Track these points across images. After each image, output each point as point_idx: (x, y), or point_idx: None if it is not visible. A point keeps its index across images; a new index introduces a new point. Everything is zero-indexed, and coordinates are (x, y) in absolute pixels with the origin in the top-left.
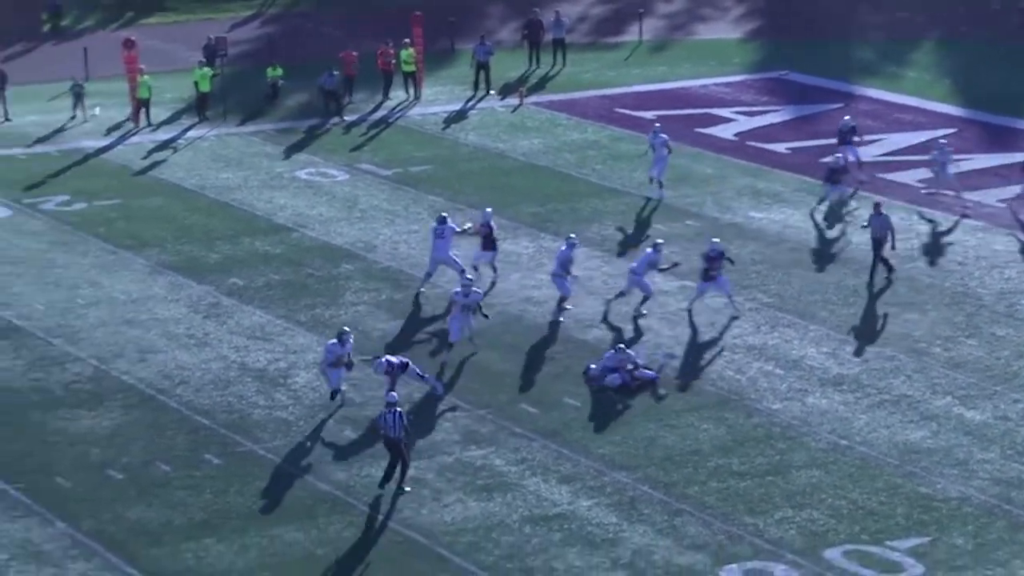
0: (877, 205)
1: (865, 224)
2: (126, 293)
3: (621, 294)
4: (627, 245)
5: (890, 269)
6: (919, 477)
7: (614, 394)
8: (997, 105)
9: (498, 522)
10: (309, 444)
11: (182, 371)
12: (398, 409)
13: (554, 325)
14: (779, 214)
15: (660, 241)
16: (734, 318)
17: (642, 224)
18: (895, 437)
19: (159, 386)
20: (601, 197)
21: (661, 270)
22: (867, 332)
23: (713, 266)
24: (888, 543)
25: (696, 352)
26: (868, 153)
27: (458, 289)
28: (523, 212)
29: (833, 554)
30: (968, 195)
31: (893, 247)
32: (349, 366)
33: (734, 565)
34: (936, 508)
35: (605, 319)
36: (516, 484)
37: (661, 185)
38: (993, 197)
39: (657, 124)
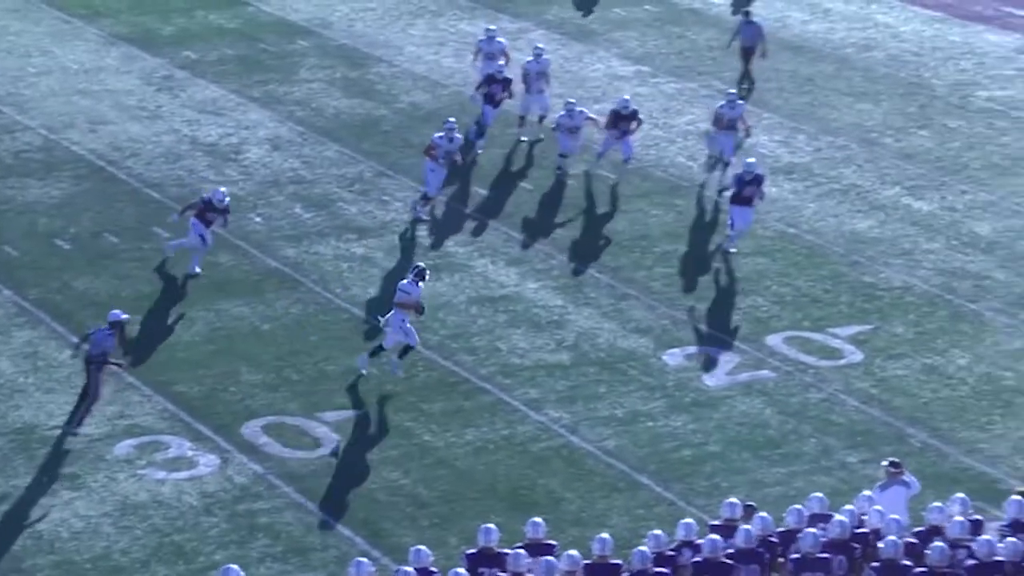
0: (747, 13)
1: (735, 33)
2: (78, 63)
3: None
4: (582, 31)
5: (751, 82)
6: (864, 266)
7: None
8: None
9: (445, 302)
10: (259, 220)
11: (133, 143)
12: None
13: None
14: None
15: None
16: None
17: (602, 7)
18: (843, 226)
19: (109, 157)
20: None
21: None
22: (820, 121)
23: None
24: (830, 330)
25: (648, 139)
26: None
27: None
28: None
29: (775, 340)
30: None
31: (764, 55)
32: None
33: (676, 349)
34: (879, 297)
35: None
36: (464, 265)
37: None
38: None
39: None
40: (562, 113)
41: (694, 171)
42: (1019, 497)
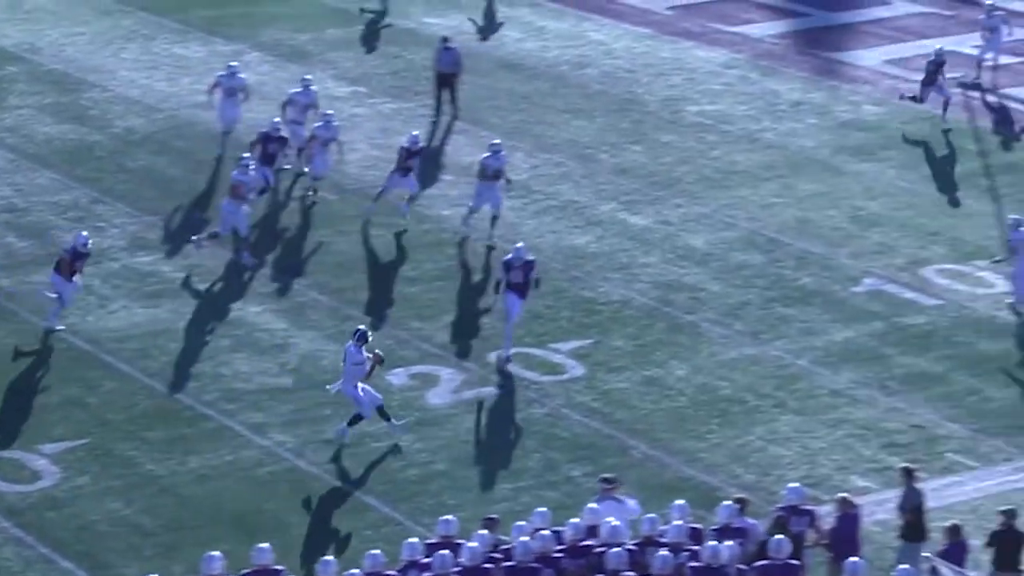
0: (445, 39)
1: (436, 59)
2: None
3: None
4: (297, 52)
5: (456, 110)
6: (583, 281)
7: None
8: None
9: (164, 328)
10: None
11: None
12: None
13: (227, 134)
14: (454, 20)
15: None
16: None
17: (317, 28)
18: (561, 242)
19: None
20: (272, 1)
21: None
22: (537, 138)
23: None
24: (551, 345)
25: (366, 160)
26: None
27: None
28: (195, 16)
29: (497, 356)
30: None
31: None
32: None
33: (400, 369)
34: (599, 311)
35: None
36: (184, 291)
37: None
38: (662, 4)
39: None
40: (318, 124)
41: (454, 222)
42: (731, 503)
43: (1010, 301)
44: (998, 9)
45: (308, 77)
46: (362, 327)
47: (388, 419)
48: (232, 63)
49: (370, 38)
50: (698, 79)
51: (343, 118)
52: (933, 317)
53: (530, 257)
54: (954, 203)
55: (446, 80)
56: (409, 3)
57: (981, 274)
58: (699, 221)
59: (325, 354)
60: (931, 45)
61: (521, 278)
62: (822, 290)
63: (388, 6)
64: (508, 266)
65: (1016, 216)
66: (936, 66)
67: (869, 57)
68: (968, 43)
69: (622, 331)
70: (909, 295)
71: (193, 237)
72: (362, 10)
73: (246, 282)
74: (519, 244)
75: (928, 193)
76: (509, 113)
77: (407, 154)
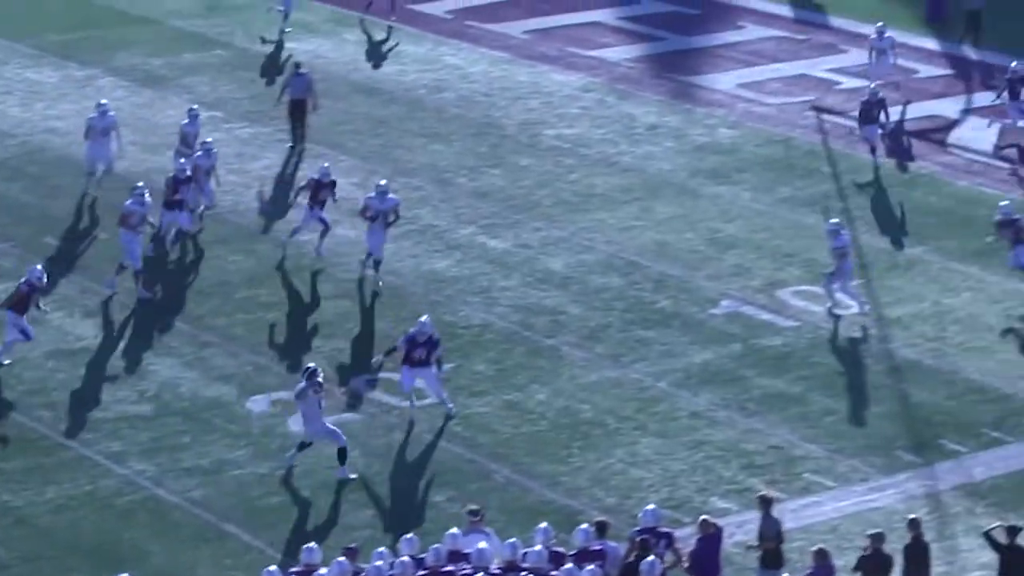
0: (298, 65)
1: (284, 85)
2: None
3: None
4: (152, 77)
5: (300, 139)
6: (443, 306)
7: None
8: None
9: (21, 358)
10: None
11: None
12: None
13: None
14: (310, 44)
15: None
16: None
17: (175, 52)
18: (421, 266)
19: None
20: (126, 25)
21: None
22: (396, 162)
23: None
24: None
25: (225, 185)
26: None
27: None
28: (48, 40)
29: (358, 383)
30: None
31: (315, 108)
32: None
33: (260, 396)
34: (460, 335)
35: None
36: (41, 319)
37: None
38: (519, 29)
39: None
40: (199, 153)
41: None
42: (588, 526)
43: (854, 312)
44: (887, 32)
45: (195, 107)
46: (311, 365)
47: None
48: (102, 101)
49: (226, 62)
50: (555, 103)
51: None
52: (790, 338)
53: (436, 336)
54: (808, 225)
55: (298, 106)
56: (265, 27)
57: (837, 295)
58: (558, 244)
59: (183, 381)
60: (784, 69)
61: (424, 355)
62: (681, 312)
63: (284, 39)
64: (412, 342)
65: (835, 221)
66: (871, 105)
67: (723, 81)
68: (820, 67)
69: (483, 355)
70: (766, 316)
71: (104, 280)
72: (263, 39)
73: (102, 309)
74: (423, 318)
75: (783, 215)
76: (367, 138)
77: (318, 186)
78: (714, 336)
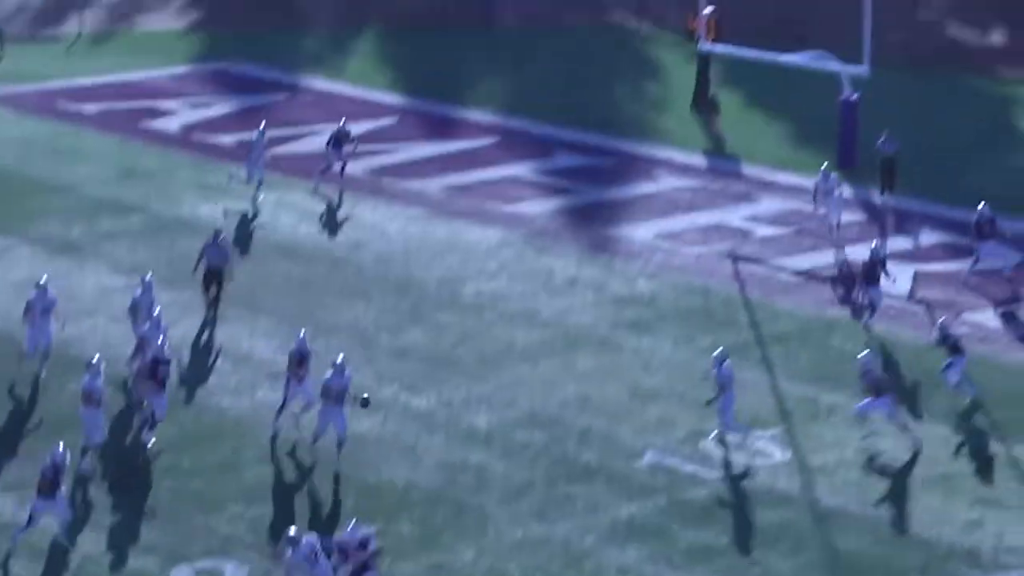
0: (218, 233)
1: (200, 256)
2: None
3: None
4: (68, 245)
5: (216, 304)
6: (367, 466)
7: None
8: (438, 93)
9: None
10: None
11: None
12: None
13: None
14: (226, 206)
15: None
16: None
17: (92, 219)
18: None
19: None
20: (44, 194)
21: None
22: (317, 322)
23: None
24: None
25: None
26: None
27: None
28: None
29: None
30: (411, 183)
31: (230, 278)
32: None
33: (184, 565)
34: (384, 496)
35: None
36: None
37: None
38: (436, 185)
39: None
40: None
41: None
42: None
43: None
44: (831, 174)
45: (148, 278)
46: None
47: None
48: (42, 279)
49: (142, 228)
50: (474, 258)
51: (119, 309)
52: (714, 489)
53: (373, 546)
54: None
55: (214, 275)
56: (182, 190)
57: (759, 444)
58: (481, 401)
59: (105, 555)
60: (700, 218)
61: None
62: (605, 465)
63: (259, 208)
64: (343, 551)
65: (722, 348)
66: (872, 264)
67: (641, 231)
68: (735, 215)
69: (409, 515)
70: (690, 468)
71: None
72: (226, 212)
73: (20, 483)
74: (352, 523)
75: (704, 365)
76: (286, 298)
77: (300, 358)
78: (639, 489)
